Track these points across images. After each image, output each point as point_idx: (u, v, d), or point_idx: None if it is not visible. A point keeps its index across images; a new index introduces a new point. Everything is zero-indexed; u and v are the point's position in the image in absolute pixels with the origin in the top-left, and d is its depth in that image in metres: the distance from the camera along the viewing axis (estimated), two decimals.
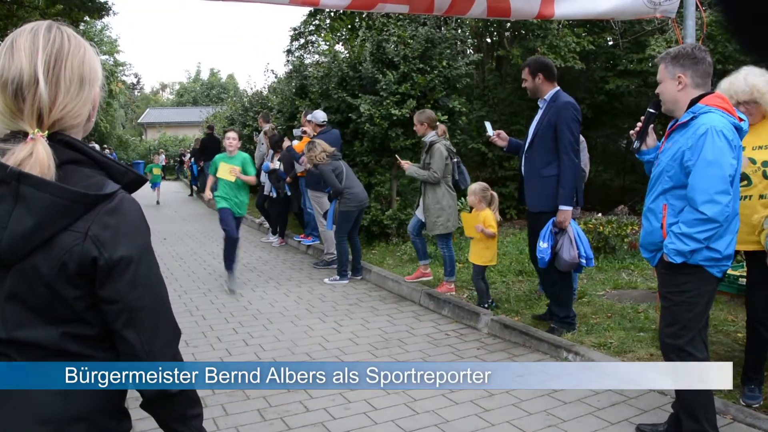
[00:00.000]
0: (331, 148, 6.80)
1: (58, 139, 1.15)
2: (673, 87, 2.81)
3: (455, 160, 6.03)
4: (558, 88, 4.56)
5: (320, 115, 7.71)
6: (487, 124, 5.07)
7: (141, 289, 1.16)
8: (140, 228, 1.19)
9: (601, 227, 7.04)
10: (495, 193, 5.48)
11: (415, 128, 6.21)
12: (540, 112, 4.57)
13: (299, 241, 9.08)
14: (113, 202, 1.14)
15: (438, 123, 6.15)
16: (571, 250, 4.34)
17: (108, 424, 1.21)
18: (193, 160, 20.87)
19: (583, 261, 4.45)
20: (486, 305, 5.24)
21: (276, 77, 14.12)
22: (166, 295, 1.25)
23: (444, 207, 5.85)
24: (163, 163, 31.88)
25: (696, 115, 2.72)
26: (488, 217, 5.23)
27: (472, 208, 5.42)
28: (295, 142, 8.26)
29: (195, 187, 20.27)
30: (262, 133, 10.01)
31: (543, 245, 4.36)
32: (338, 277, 6.87)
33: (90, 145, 1.22)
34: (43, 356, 1.14)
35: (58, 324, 1.14)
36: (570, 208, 4.37)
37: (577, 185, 4.48)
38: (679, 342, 2.76)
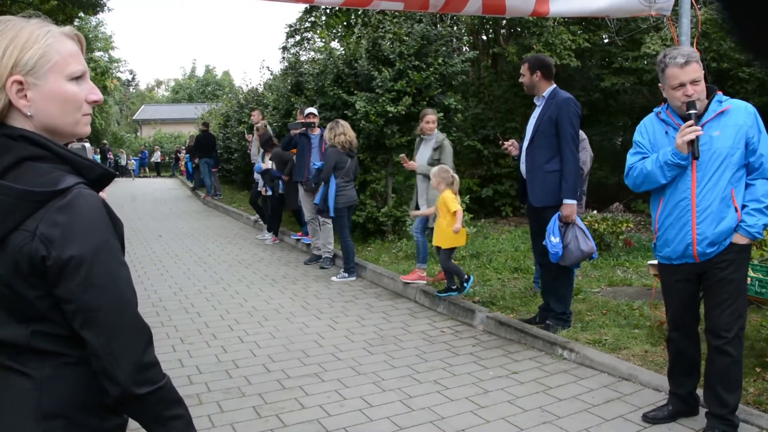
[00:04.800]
0: (355, 140, 6.86)
1: (18, 135, 1.12)
2: (704, 85, 2.97)
3: None
4: (555, 86, 4.57)
5: (312, 108, 7.95)
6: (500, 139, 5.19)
7: (96, 289, 1.11)
8: (96, 225, 1.13)
9: (597, 224, 7.06)
10: (456, 176, 5.61)
11: (428, 125, 6.15)
12: (538, 110, 4.56)
13: (298, 240, 9.05)
14: (66, 198, 1.09)
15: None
16: (588, 242, 4.30)
17: (89, 421, 1.17)
18: (188, 157, 20.85)
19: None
20: (465, 280, 5.43)
21: (271, 74, 14.09)
22: (127, 295, 1.17)
23: None
24: (158, 160, 31.99)
25: (724, 102, 2.94)
26: (447, 198, 5.34)
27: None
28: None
29: (190, 183, 20.25)
30: (254, 129, 9.99)
31: (554, 240, 4.28)
32: (347, 274, 6.79)
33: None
34: (16, 354, 1.12)
35: (28, 322, 1.12)
36: (575, 202, 4.33)
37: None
38: (742, 322, 2.89)
